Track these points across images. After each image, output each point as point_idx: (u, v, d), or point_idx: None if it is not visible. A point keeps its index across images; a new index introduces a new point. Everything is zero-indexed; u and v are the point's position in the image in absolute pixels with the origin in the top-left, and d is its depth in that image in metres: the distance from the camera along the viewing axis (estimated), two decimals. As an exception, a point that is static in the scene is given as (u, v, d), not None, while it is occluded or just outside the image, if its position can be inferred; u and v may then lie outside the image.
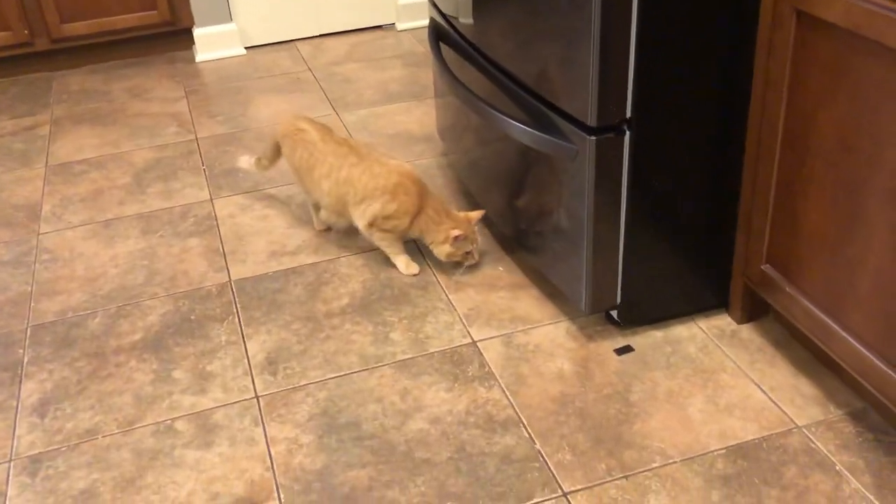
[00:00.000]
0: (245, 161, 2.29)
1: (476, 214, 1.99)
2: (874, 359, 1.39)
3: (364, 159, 1.99)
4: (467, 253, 1.97)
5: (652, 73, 1.50)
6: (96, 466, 1.56)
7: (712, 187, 1.67)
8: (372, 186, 1.95)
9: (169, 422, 1.65)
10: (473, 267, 2.02)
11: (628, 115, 1.53)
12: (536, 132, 1.67)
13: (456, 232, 1.92)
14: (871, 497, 1.40)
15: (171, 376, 1.76)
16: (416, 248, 2.09)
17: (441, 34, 2.16)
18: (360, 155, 2.01)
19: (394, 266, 2.03)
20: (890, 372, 1.37)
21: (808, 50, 1.40)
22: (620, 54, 1.47)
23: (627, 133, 1.55)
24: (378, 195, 1.94)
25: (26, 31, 3.15)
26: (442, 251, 1.96)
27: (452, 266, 2.02)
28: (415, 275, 2.00)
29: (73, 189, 2.48)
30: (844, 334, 1.45)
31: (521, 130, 1.71)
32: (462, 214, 1.99)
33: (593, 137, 1.54)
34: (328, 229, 2.19)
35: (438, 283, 1.98)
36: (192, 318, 1.93)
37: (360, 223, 1.99)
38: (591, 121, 1.53)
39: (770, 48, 1.47)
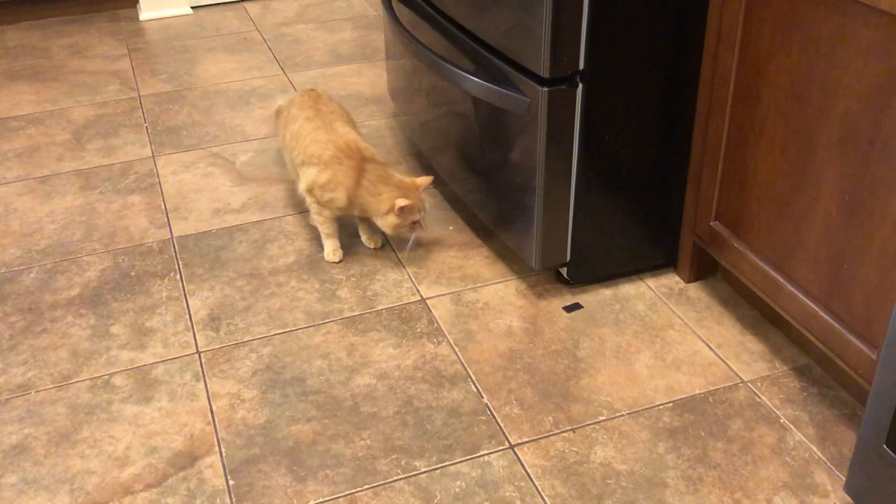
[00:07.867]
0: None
1: (424, 180, 1.82)
2: (819, 311, 1.40)
3: (318, 118, 1.88)
4: (414, 223, 1.79)
5: (605, 25, 1.49)
6: (29, 421, 1.50)
7: (664, 143, 1.66)
8: (310, 152, 1.83)
9: (106, 377, 1.59)
10: (420, 236, 1.90)
11: (581, 66, 1.51)
12: (489, 84, 1.64)
13: (402, 202, 1.73)
14: (814, 448, 1.41)
15: (109, 332, 1.70)
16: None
17: (393, -10, 2.12)
18: (318, 112, 1.89)
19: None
20: (834, 324, 1.37)
21: (761, 1, 1.39)
22: (573, 4, 1.45)
23: (580, 85, 1.53)
24: (314, 162, 1.82)
25: (-41, -16, 3.02)
26: (386, 223, 1.77)
27: (400, 242, 1.92)
28: (336, 262, 1.87)
29: (7, 145, 2.39)
30: (791, 288, 1.46)
31: (474, 83, 1.68)
32: (409, 180, 1.81)
33: (545, 89, 1.51)
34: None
35: (388, 242, 1.95)
36: (132, 274, 1.87)
37: (301, 185, 1.86)
38: (544, 72, 1.50)
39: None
